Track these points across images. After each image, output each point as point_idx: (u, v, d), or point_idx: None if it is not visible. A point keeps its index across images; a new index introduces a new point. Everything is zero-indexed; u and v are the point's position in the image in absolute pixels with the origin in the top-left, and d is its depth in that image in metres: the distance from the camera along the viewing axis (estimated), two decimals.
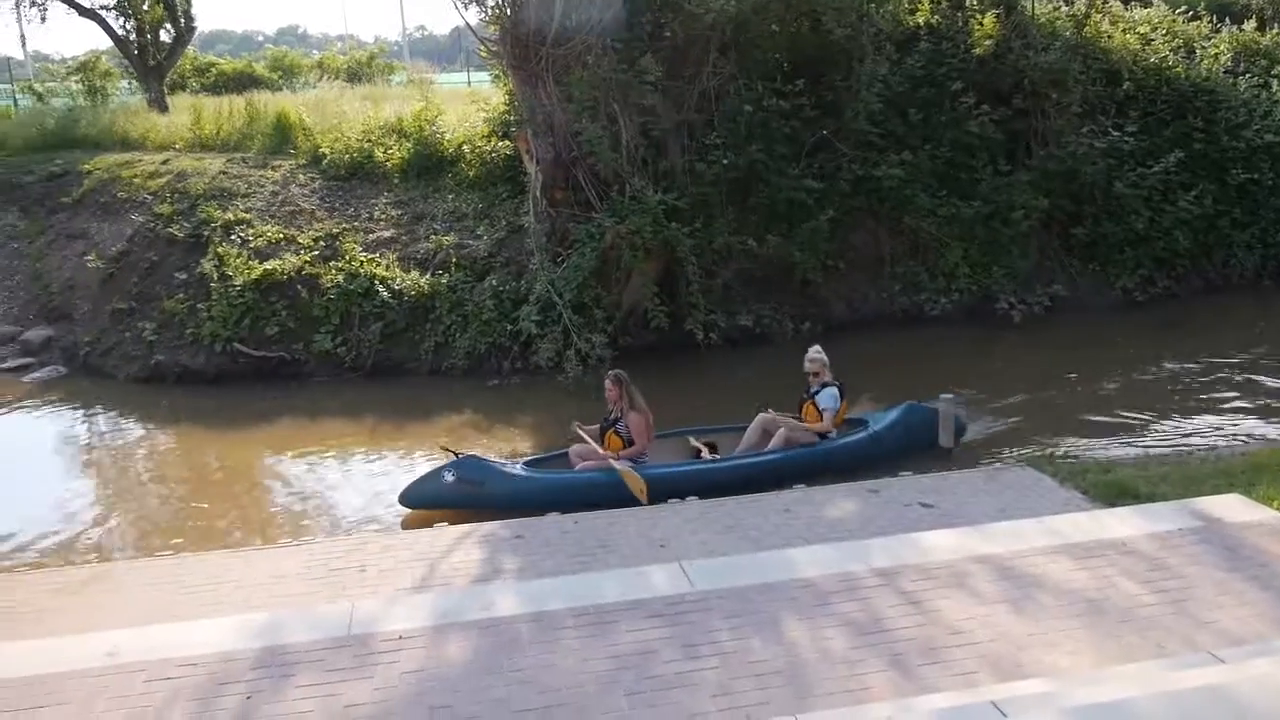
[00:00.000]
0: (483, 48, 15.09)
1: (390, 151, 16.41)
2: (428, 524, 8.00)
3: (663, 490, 8.08)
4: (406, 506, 8.64)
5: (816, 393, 8.86)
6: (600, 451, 8.52)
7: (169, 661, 5.40)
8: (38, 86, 25.72)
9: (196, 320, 13.36)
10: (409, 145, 16.47)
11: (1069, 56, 15.46)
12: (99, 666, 5.36)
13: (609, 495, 8.02)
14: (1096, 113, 15.95)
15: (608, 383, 8.61)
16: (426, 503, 8.55)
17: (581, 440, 8.79)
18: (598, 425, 8.80)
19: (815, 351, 9.01)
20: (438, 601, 6.05)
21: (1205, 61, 16.99)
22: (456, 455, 8.62)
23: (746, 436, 9.02)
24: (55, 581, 6.69)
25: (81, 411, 12.48)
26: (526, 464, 8.78)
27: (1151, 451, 9.53)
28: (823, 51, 14.72)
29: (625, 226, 12.66)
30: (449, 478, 8.38)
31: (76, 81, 24.61)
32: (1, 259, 16.14)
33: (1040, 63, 15.23)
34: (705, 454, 8.96)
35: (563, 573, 6.44)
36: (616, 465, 8.23)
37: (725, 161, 13.73)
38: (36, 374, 13.77)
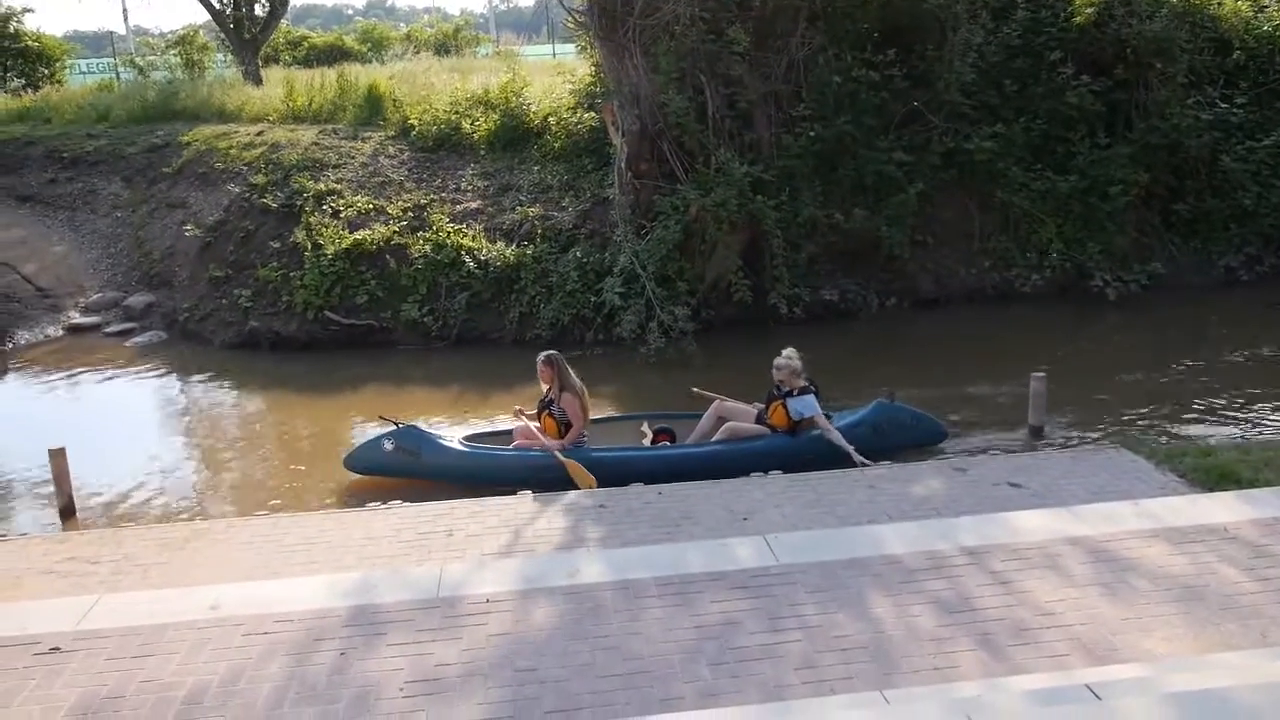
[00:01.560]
0: (569, 19, 15.11)
1: (477, 123, 16.57)
2: (374, 489, 8.29)
3: (596, 475, 7.96)
4: (350, 471, 8.79)
5: (789, 394, 8.36)
6: (545, 441, 8.34)
7: (267, 616, 5.59)
8: (138, 60, 26.58)
9: (289, 288, 13.71)
10: (495, 117, 16.62)
11: (1175, 24, 14.83)
12: (202, 619, 5.59)
13: (541, 477, 7.94)
14: (1203, 83, 15.30)
15: (540, 364, 8.42)
16: (368, 469, 8.72)
17: (525, 421, 8.69)
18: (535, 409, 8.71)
19: (785, 359, 8.36)
20: (524, 567, 6.14)
21: None
22: (396, 424, 8.69)
23: (700, 425, 8.78)
24: (159, 537, 6.94)
25: (180, 376, 12.93)
26: (466, 438, 8.73)
27: (1254, 436, 9.18)
28: (915, 20, 14.38)
29: (710, 199, 12.59)
30: (388, 446, 8.51)
31: (175, 55, 25.36)
32: (106, 227, 16.79)
33: (1145, 31, 14.62)
34: (648, 441, 8.86)
35: (646, 543, 6.47)
36: (561, 458, 8.06)
37: (813, 133, 13.55)
38: (138, 338, 14.31)
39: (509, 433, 8.88)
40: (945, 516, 6.68)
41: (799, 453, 8.28)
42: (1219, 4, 15.96)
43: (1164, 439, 8.97)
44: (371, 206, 14.63)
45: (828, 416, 8.73)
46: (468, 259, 13.57)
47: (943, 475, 7.58)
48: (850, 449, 8.15)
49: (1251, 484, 7.08)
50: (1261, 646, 4.93)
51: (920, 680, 4.76)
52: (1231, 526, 6.28)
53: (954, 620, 5.30)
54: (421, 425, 9.02)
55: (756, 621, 5.36)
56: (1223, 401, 10.17)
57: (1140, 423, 9.64)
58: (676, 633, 5.28)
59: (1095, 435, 9.33)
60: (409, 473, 8.49)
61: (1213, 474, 7.30)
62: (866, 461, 8.05)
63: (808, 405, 8.32)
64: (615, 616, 5.47)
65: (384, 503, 7.52)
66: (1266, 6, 16.28)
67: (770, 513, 6.89)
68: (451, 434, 8.87)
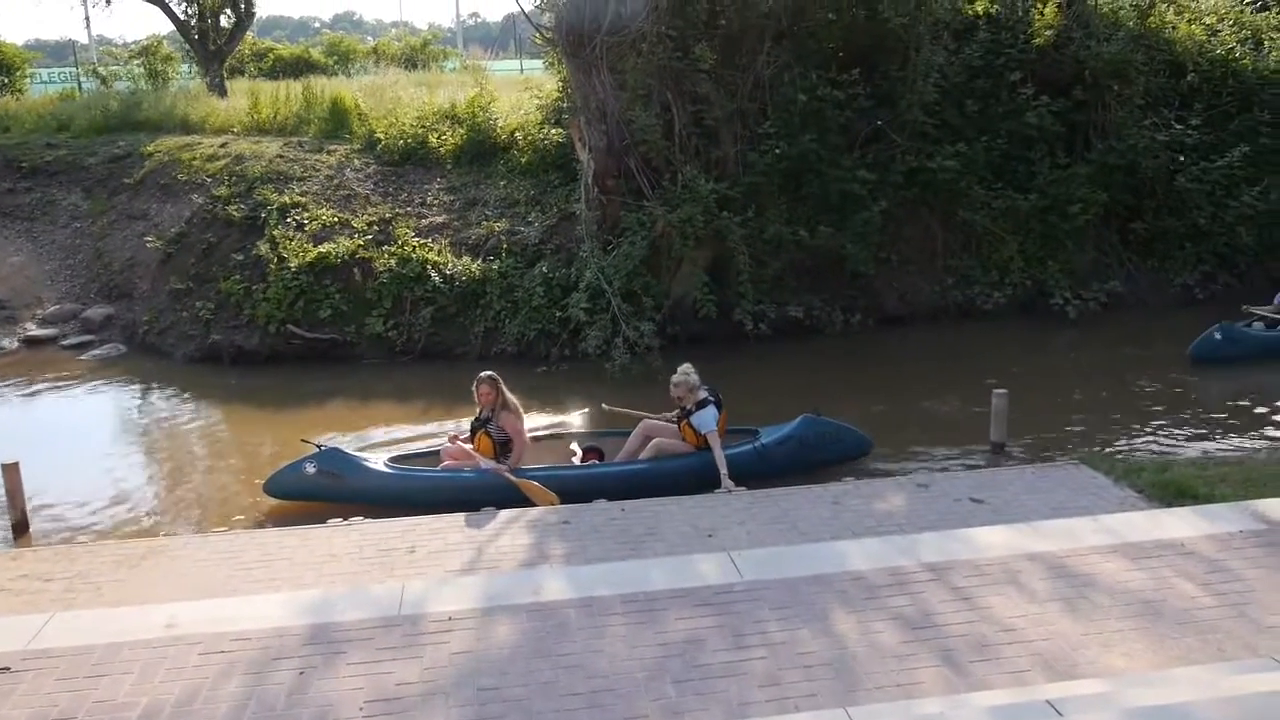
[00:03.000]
0: (537, 35, 15.12)
1: (444, 137, 16.53)
2: (300, 514, 8.06)
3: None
4: (270, 496, 8.55)
5: (691, 413, 8.37)
6: (482, 462, 8.24)
7: (224, 635, 5.50)
8: (101, 70, 26.27)
9: (252, 301, 13.56)
10: (462, 131, 16.61)
11: (1132, 47, 15.14)
12: (157, 638, 5.48)
13: (471, 498, 7.81)
14: (1159, 105, 15.64)
15: (483, 386, 8.29)
16: (289, 493, 8.48)
17: (460, 444, 8.57)
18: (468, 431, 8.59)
19: (680, 375, 8.39)
20: (486, 584, 6.09)
21: (1274, 54, 16.48)
22: (318, 447, 8.53)
23: (628, 444, 8.75)
24: (115, 555, 6.81)
25: (139, 389, 12.74)
26: (392, 459, 8.59)
27: (1210, 451, 9.33)
28: (879, 41, 14.55)
29: (676, 215, 12.65)
30: (310, 469, 8.31)
31: (138, 65, 25.14)
32: (65, 238, 16.54)
33: (1102, 53, 14.92)
34: (578, 459, 8.83)
35: (610, 559, 6.44)
36: (514, 479, 7.98)
37: (778, 151, 13.64)
38: (96, 351, 14.09)
39: (436, 453, 8.73)
40: (908, 532, 6.71)
41: (735, 468, 8.19)
42: (1173, 28, 16.33)
43: (1122, 455, 9.08)
44: (336, 220, 14.53)
45: (756, 433, 8.78)
46: (433, 273, 13.51)
47: (905, 491, 7.62)
48: (724, 472, 8.05)
49: (1208, 499, 7.18)
50: (1219, 660, 4.99)
51: (883, 697, 4.77)
52: (1188, 542, 6.37)
53: (916, 636, 5.32)
54: (344, 447, 8.85)
55: (721, 639, 5.35)
56: (1179, 418, 10.34)
57: (1099, 439, 9.77)
58: (640, 650, 5.25)
59: (1055, 452, 9.43)
60: (333, 497, 8.24)
61: (1170, 489, 7.40)
62: (733, 487, 7.95)
63: (704, 421, 8.28)
64: (579, 634, 5.44)
65: (345, 519, 7.44)
66: (1219, 31, 16.65)
67: (734, 529, 6.89)
68: (376, 455, 8.70)
